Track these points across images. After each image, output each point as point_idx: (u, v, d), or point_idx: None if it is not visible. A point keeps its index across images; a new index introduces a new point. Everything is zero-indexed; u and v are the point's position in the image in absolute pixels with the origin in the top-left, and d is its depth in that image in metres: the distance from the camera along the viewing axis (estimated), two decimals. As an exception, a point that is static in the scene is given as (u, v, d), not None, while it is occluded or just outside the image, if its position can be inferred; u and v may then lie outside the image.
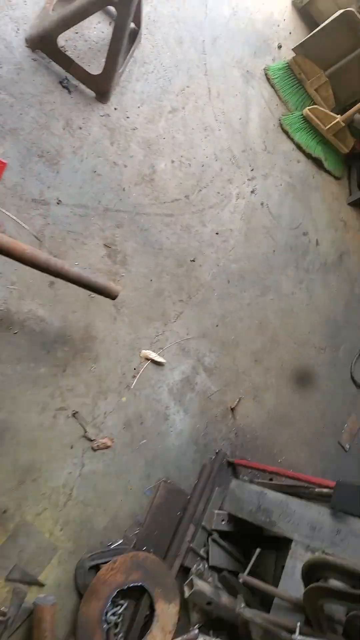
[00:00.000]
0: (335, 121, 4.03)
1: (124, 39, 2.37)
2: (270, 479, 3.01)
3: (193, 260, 3.08)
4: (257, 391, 3.27)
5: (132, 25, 2.94)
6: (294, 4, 4.43)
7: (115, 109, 2.86)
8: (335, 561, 1.69)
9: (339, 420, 3.80)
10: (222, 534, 2.65)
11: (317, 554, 2.02)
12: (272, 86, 3.97)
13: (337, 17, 3.64)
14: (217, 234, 3.27)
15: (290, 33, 4.33)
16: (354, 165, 4.59)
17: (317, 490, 2.43)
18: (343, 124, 4.05)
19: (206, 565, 2.55)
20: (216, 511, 2.67)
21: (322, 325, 3.91)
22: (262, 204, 3.66)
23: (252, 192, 3.60)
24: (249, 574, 2.33)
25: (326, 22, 3.74)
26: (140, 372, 2.63)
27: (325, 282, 4.04)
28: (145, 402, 2.64)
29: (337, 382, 3.90)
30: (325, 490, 2.38)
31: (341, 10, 3.59)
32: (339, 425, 3.78)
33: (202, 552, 2.55)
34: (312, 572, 1.77)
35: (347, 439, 3.77)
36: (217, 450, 2.91)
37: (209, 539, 2.60)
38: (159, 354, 2.74)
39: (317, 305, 3.91)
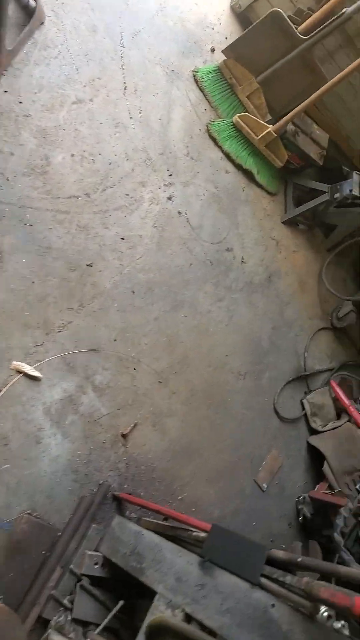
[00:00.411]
0: (266, 131, 4.05)
1: (2, 8, 2.30)
2: (165, 519, 2.84)
3: (90, 265, 2.97)
4: (158, 417, 3.13)
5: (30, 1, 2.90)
6: (232, 8, 4.54)
7: (5, 91, 2.79)
8: (176, 625, 1.53)
9: (257, 456, 3.69)
10: (95, 580, 2.46)
11: (176, 612, 1.85)
12: (201, 89, 4.00)
13: (265, 18, 3.70)
14: (122, 239, 3.18)
15: (226, 38, 4.42)
16: (290, 181, 4.62)
17: (194, 534, 2.26)
18: (275, 135, 4.08)
19: (69, 617, 2.34)
20: (88, 552, 2.48)
21: (244, 348, 3.83)
22: (179, 212, 3.61)
23: (169, 198, 3.55)
24: (117, 629, 2.15)
25: (254, 23, 3.79)
26: (8, 386, 2.46)
27: (250, 302, 3.99)
28: (13, 421, 2.47)
29: (257, 413, 3.80)
30: (202, 535, 2.20)
31: (269, 11, 3.64)
32: (256, 461, 3.66)
33: (66, 600, 2.35)
34: (154, 636, 1.61)
35: (265, 477, 3.65)
36: (101, 482, 2.74)
37: (78, 586, 2.40)
38: (35, 367, 2.59)
39: (240, 326, 3.85)
